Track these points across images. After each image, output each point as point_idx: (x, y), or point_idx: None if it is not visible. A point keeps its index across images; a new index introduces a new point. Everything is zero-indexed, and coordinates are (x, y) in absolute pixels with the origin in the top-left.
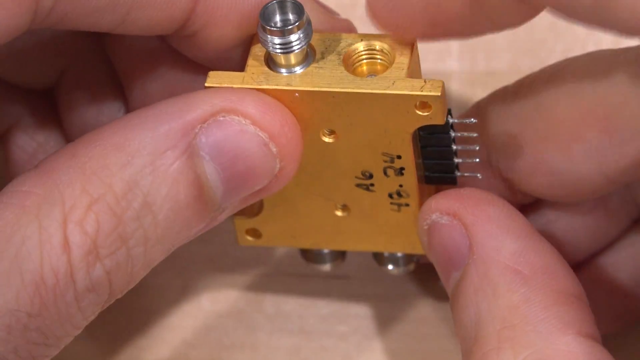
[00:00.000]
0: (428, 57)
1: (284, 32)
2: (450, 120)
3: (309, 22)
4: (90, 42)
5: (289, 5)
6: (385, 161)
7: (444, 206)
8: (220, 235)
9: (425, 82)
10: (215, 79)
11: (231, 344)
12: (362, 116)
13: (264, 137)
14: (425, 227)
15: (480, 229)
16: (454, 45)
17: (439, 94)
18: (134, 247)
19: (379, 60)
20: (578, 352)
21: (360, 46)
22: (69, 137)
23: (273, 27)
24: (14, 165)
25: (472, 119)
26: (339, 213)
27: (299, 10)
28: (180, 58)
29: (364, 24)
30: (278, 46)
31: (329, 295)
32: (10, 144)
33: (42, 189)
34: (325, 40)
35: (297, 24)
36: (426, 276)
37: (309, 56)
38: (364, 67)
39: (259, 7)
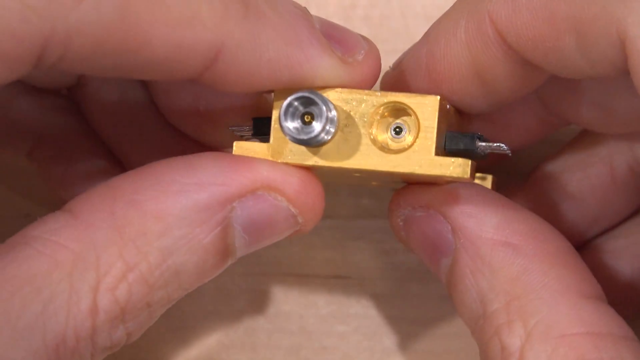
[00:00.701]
0: None
1: (307, 140)
2: (480, 144)
3: (332, 120)
4: None
5: (312, 101)
6: None
7: (414, 200)
8: None
9: (453, 162)
10: (241, 150)
11: (231, 344)
12: (390, 174)
13: (295, 212)
14: (401, 223)
15: (458, 212)
16: None
17: (467, 176)
18: (157, 309)
19: (405, 130)
20: (583, 313)
21: (384, 111)
22: (101, 134)
23: (294, 134)
24: (51, 178)
25: (503, 146)
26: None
27: (322, 110)
28: None
29: (364, 24)
30: (299, 142)
31: (329, 295)
32: (42, 159)
33: (78, 245)
34: (348, 101)
35: (319, 130)
36: (426, 276)
37: (333, 119)
38: (392, 134)
39: (273, 69)
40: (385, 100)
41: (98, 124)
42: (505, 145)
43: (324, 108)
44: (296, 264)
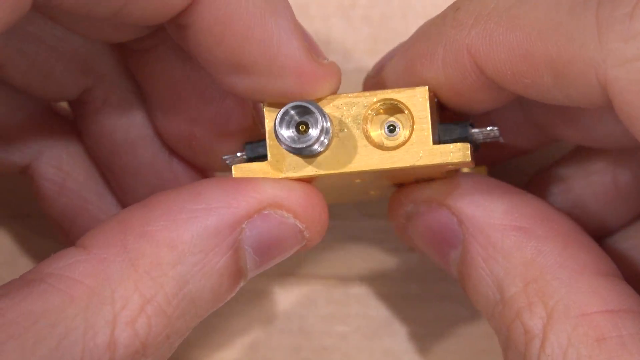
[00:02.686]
0: None
1: (303, 148)
2: (473, 131)
3: (327, 131)
4: (115, 59)
5: (308, 110)
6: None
7: (415, 196)
8: None
9: (452, 148)
10: (241, 172)
11: (231, 344)
12: (391, 173)
13: (301, 227)
14: (403, 222)
15: (463, 203)
16: None
17: (469, 159)
18: (176, 340)
19: (398, 127)
20: (602, 291)
21: (376, 110)
22: (96, 159)
23: (289, 142)
24: (44, 198)
25: (495, 130)
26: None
27: (318, 119)
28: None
29: (364, 24)
30: (295, 151)
31: (329, 295)
32: (37, 177)
33: (92, 280)
34: (338, 106)
35: (315, 138)
36: (426, 276)
37: (327, 130)
38: (386, 133)
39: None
40: (375, 99)
41: (94, 144)
42: (497, 130)
43: (319, 117)
44: (296, 264)
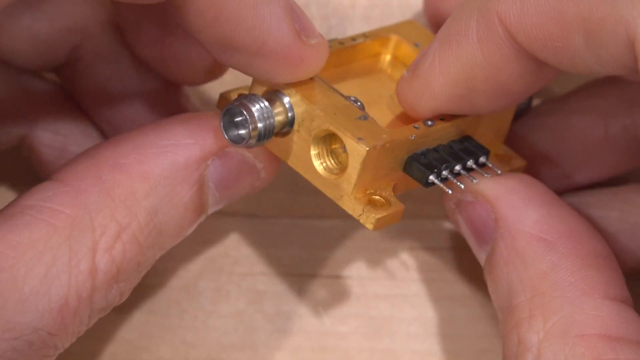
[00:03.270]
0: None
1: (234, 143)
2: (430, 179)
3: (260, 137)
4: (100, 14)
5: (242, 113)
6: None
7: (466, 184)
8: (220, 235)
9: (363, 211)
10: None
11: (231, 344)
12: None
13: (259, 166)
14: (453, 207)
15: (503, 202)
16: None
17: (372, 228)
18: (143, 270)
19: (339, 159)
20: (605, 315)
21: (327, 141)
22: (93, 117)
23: (231, 139)
24: (46, 166)
25: (449, 191)
26: None
27: (247, 121)
28: None
29: (364, 24)
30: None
31: (329, 295)
32: (36, 145)
33: (72, 210)
34: (304, 113)
35: (245, 140)
36: (426, 276)
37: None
38: (327, 155)
39: None
40: (331, 128)
41: (90, 103)
42: (451, 190)
43: (249, 126)
44: (296, 264)
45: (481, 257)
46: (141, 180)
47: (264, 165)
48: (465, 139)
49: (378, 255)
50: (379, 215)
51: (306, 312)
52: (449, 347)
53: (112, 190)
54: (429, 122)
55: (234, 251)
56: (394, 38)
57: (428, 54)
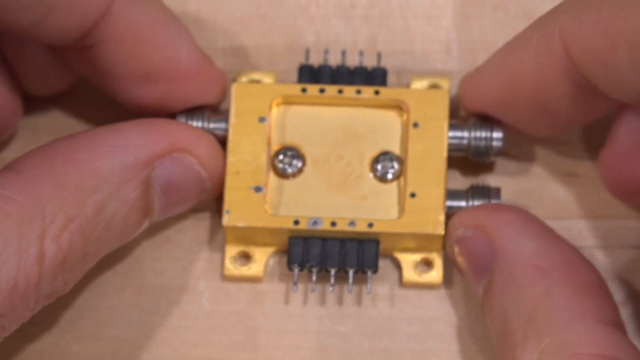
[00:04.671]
0: (428, 56)
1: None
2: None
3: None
4: None
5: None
6: None
7: (467, 220)
8: (220, 235)
9: (230, 263)
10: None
11: (231, 344)
12: None
13: (205, 176)
14: (454, 244)
15: (501, 234)
16: (454, 45)
17: (225, 273)
18: (90, 261)
19: None
20: (597, 336)
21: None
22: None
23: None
24: None
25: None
26: None
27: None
28: None
29: (364, 24)
30: None
31: (329, 295)
32: None
33: (24, 197)
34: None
35: None
36: None
37: None
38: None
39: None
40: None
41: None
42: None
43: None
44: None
45: (479, 291)
46: (91, 176)
47: (210, 175)
48: (368, 244)
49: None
50: (235, 272)
51: (306, 312)
52: (449, 347)
53: (63, 183)
54: (317, 222)
55: None
56: (392, 115)
57: (494, 55)
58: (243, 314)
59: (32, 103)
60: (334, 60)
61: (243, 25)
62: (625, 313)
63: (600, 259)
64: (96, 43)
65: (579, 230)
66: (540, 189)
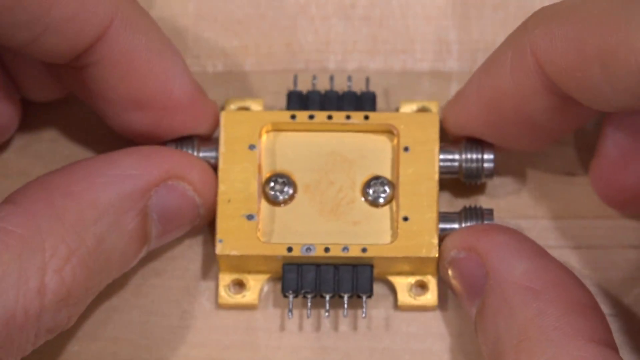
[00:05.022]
0: (428, 57)
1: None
2: None
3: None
4: None
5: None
6: None
7: (460, 242)
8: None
9: (224, 291)
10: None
11: (231, 344)
12: None
13: (199, 202)
14: (447, 266)
15: (494, 256)
16: (454, 45)
17: (220, 302)
18: (91, 294)
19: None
20: (589, 356)
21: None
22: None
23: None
24: None
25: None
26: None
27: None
28: None
29: (364, 24)
30: None
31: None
32: None
33: (24, 230)
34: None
35: None
36: None
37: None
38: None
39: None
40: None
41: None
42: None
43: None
44: None
45: (472, 312)
46: (90, 208)
47: (204, 201)
48: (362, 268)
49: None
50: (230, 300)
51: (306, 312)
52: (449, 347)
53: (63, 215)
54: (311, 249)
55: None
56: (383, 139)
57: (472, 78)
58: (243, 314)
59: (32, 106)
60: (334, 60)
61: (243, 25)
62: (625, 313)
63: (600, 259)
64: (90, 64)
65: (578, 230)
66: (538, 190)
